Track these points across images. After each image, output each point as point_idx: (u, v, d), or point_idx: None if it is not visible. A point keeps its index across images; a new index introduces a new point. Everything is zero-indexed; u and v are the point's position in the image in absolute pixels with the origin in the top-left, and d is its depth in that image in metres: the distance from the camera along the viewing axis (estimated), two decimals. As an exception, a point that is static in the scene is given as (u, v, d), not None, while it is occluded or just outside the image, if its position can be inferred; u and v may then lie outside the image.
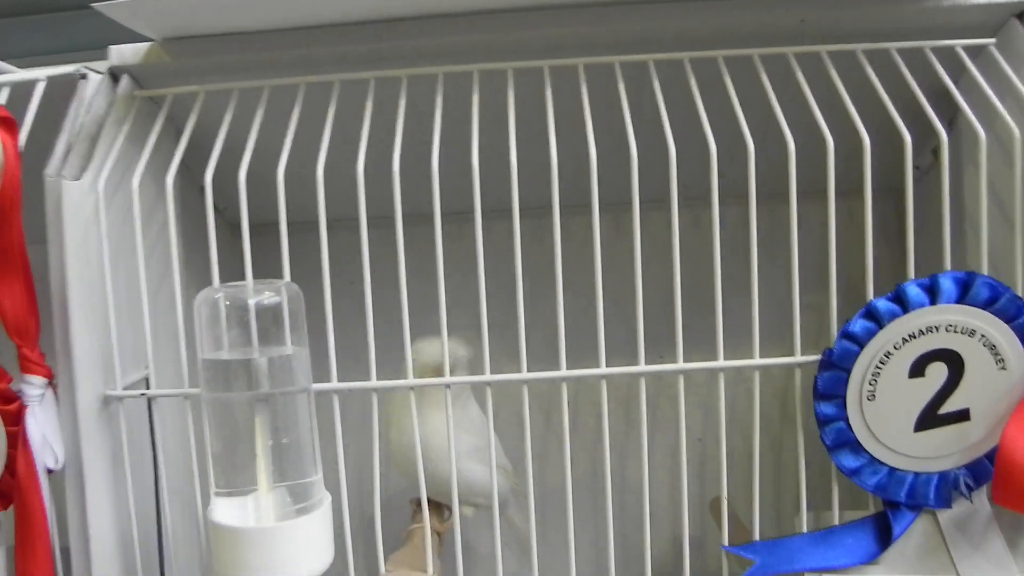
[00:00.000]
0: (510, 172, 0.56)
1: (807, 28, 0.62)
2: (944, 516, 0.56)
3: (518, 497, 0.79)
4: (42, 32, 0.98)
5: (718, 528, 0.61)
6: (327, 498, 0.54)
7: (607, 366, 0.58)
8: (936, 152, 0.75)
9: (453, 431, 0.58)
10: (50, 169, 0.59)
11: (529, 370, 0.58)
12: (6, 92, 0.62)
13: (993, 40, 0.61)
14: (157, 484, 0.63)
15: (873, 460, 0.55)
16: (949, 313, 0.53)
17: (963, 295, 0.53)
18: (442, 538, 0.65)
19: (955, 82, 0.59)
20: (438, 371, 0.61)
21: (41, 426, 0.58)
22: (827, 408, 0.55)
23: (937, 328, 0.53)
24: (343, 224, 0.66)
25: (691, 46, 0.61)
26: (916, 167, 0.78)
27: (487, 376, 0.59)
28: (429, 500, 0.69)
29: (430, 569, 0.59)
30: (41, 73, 0.63)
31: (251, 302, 0.52)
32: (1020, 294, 0.54)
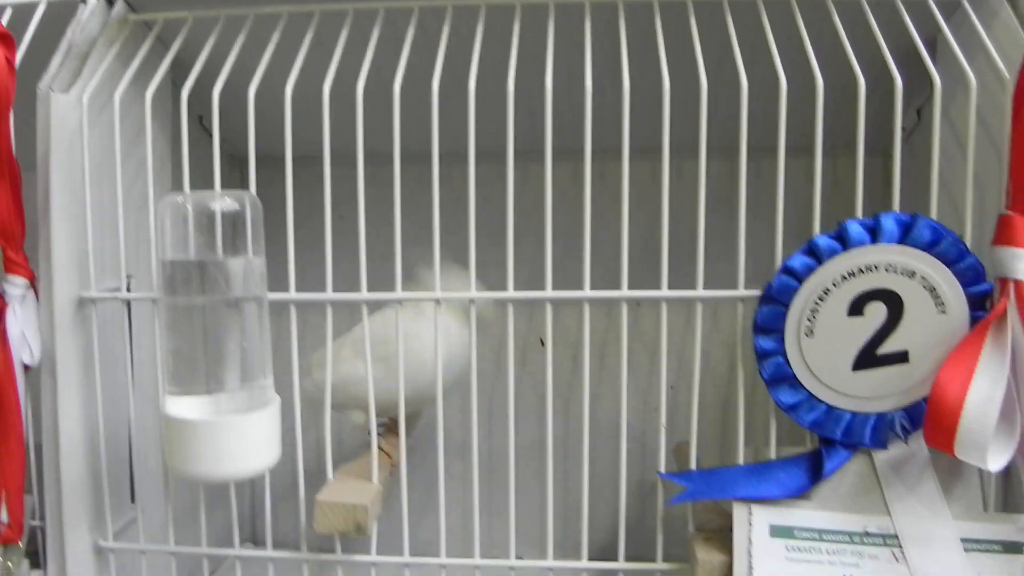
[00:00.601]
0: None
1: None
2: (880, 457, 0.57)
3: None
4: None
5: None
6: (276, 399, 0.57)
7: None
8: (920, 112, 0.75)
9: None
10: (42, 83, 0.62)
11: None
12: (8, 14, 0.65)
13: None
14: (123, 384, 0.66)
15: (811, 397, 0.56)
16: (889, 253, 0.53)
17: (904, 236, 0.53)
18: (393, 459, 0.67)
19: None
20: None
21: (21, 324, 0.62)
22: (766, 342, 0.56)
23: (877, 267, 0.54)
24: (334, 160, 0.68)
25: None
26: (902, 127, 0.78)
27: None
28: (387, 422, 0.71)
29: (375, 479, 0.61)
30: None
31: (216, 206, 0.54)
32: (967, 239, 0.54)
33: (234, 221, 0.55)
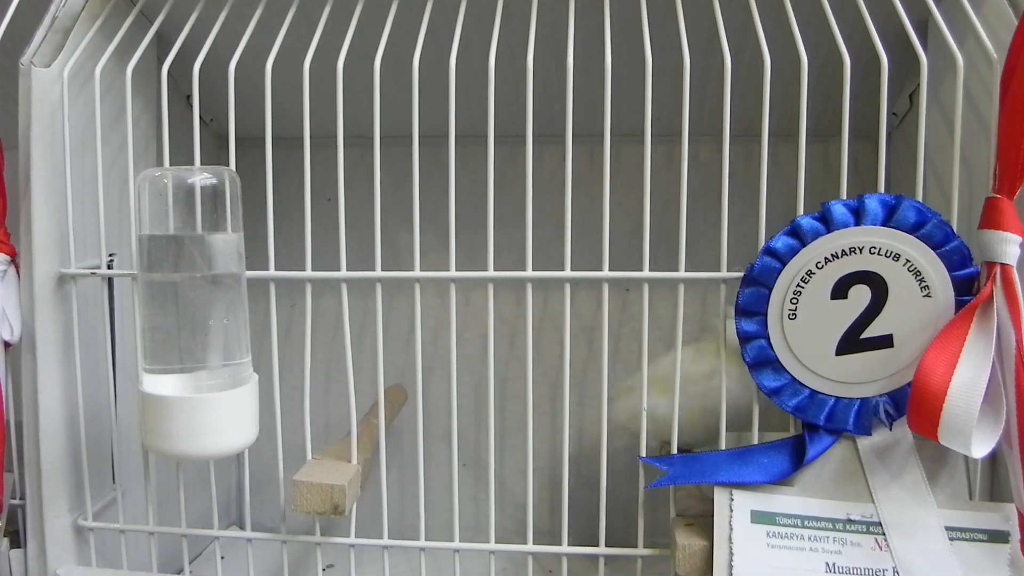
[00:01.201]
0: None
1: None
2: (864, 443, 0.56)
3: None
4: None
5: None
6: (254, 377, 0.56)
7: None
8: (912, 98, 0.74)
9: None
10: (23, 58, 0.62)
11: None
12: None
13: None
14: (113, 364, 0.65)
15: (794, 381, 0.55)
16: (873, 235, 0.53)
17: (889, 218, 0.53)
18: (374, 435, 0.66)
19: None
20: None
21: (1, 301, 0.62)
22: (748, 325, 0.55)
23: (860, 249, 0.53)
24: (320, 142, 0.68)
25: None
26: (893, 113, 0.77)
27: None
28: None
29: (354, 459, 0.61)
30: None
31: (194, 180, 0.54)
32: (955, 223, 0.53)
33: (213, 196, 0.55)
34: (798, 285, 0.54)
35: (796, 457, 0.56)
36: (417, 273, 0.60)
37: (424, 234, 0.61)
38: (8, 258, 0.62)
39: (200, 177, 0.54)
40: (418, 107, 0.58)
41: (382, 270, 0.60)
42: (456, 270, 0.60)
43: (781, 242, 0.54)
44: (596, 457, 0.61)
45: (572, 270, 0.59)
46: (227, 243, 0.55)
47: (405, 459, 0.85)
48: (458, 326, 0.62)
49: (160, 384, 0.55)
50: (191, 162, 0.62)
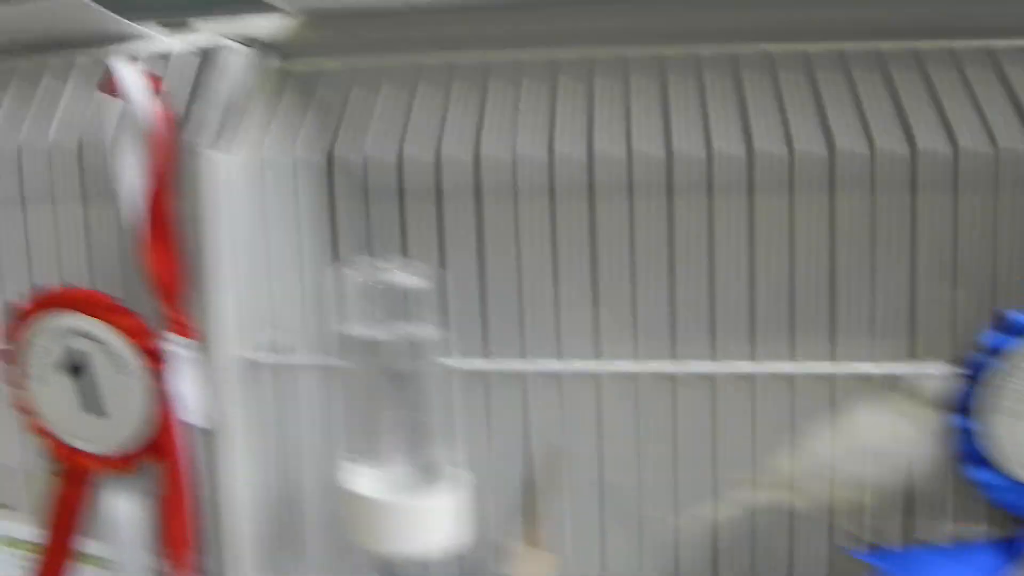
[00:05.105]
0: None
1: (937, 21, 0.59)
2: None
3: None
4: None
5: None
6: (461, 476, 0.56)
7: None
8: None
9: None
10: (199, 140, 0.61)
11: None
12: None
13: None
14: (290, 448, 0.65)
15: (1007, 477, 0.54)
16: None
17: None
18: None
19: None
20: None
21: (185, 385, 0.62)
22: (961, 420, 0.54)
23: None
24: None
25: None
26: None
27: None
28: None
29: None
30: (184, 41, 0.65)
31: (396, 281, 0.53)
32: None
33: (416, 292, 0.54)
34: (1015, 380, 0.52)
35: (1009, 555, 0.55)
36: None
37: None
38: (190, 341, 0.62)
39: (405, 275, 0.53)
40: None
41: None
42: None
43: (1002, 339, 0.52)
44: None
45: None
46: (426, 337, 0.55)
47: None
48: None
49: (362, 479, 0.55)
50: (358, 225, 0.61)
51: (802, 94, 0.59)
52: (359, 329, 0.54)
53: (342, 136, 0.62)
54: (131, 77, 0.59)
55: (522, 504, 0.61)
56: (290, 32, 0.65)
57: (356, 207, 0.65)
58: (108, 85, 0.60)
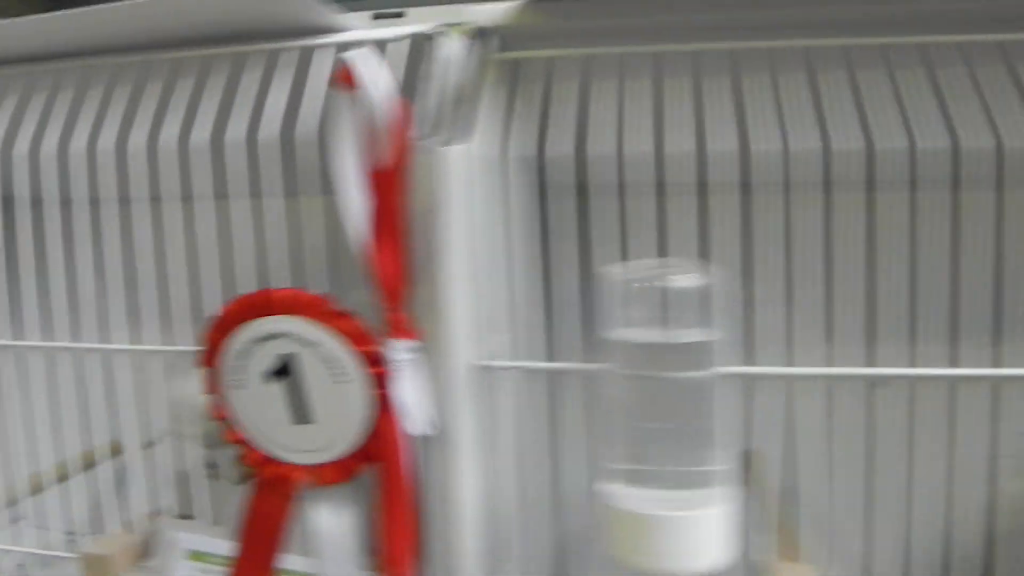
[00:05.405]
0: None
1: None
2: None
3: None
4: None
5: None
6: (730, 490, 0.53)
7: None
8: None
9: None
10: (428, 134, 0.58)
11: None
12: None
13: None
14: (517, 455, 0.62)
15: None
16: None
17: None
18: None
19: None
20: None
21: (408, 391, 0.58)
22: None
23: None
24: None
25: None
26: None
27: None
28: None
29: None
30: (401, 31, 0.62)
31: (673, 286, 0.50)
32: None
33: (695, 294, 0.51)
34: None
35: None
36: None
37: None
38: (414, 344, 0.59)
39: (684, 277, 0.50)
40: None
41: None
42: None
43: None
44: None
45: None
46: (706, 344, 0.52)
47: None
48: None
49: (626, 493, 0.52)
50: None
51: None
52: (633, 334, 0.50)
53: (555, 129, 0.59)
54: (371, 70, 0.56)
55: (777, 516, 0.58)
56: (515, 18, 0.62)
57: (568, 205, 0.62)
58: (343, 78, 0.57)
